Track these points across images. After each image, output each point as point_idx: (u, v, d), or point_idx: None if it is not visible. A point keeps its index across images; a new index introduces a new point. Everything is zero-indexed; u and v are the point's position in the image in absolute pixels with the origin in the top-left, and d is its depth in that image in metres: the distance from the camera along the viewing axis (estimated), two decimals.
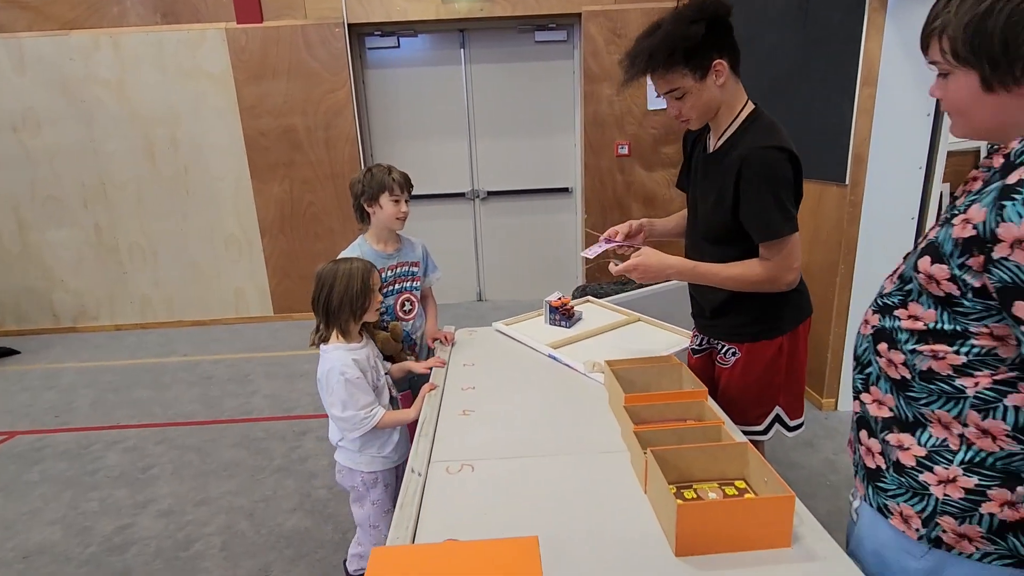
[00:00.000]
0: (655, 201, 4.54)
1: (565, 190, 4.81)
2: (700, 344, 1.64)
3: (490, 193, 4.84)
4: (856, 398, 0.96)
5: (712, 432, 1.15)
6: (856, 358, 0.96)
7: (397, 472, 1.65)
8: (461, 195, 4.84)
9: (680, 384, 1.41)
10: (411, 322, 1.94)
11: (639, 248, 1.48)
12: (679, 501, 0.92)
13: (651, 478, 1.03)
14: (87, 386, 3.60)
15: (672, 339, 1.85)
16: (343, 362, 1.50)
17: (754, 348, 1.46)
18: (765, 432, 1.53)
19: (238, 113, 4.40)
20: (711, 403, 1.31)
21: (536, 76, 4.60)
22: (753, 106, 1.38)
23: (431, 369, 1.74)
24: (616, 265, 1.43)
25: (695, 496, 1.04)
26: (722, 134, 1.40)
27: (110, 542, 2.11)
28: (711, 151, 1.45)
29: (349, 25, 4.29)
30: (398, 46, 4.54)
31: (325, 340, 1.55)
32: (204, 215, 4.59)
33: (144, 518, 2.24)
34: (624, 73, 1.34)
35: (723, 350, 1.53)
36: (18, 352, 4.33)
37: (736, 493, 1.04)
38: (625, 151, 4.46)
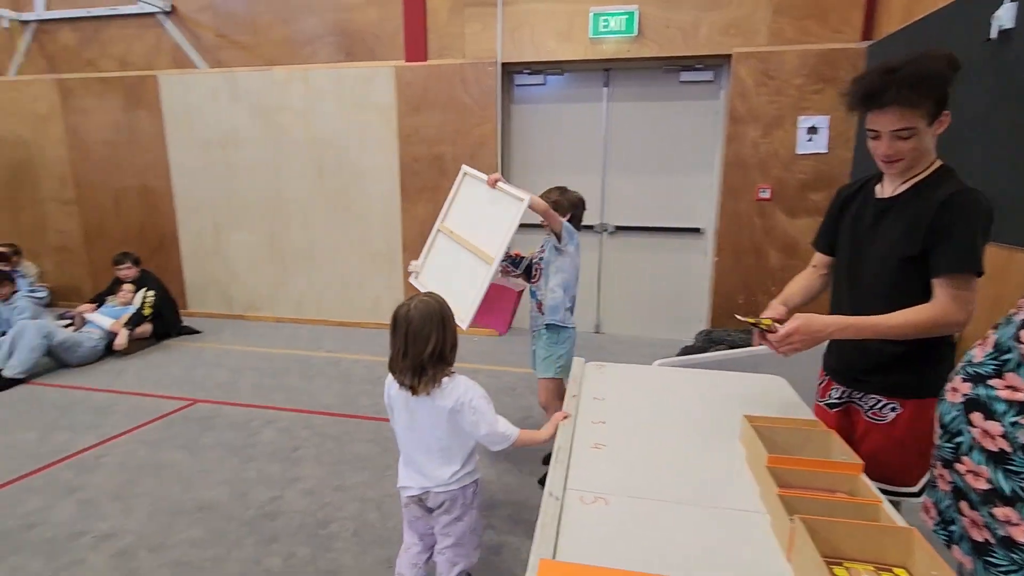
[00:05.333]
0: (797, 249, 4.27)
1: (696, 230, 4.70)
2: (839, 397, 1.57)
3: (618, 228, 4.88)
4: (946, 467, 0.96)
5: (869, 510, 1.09)
6: (943, 426, 0.97)
7: None
8: (589, 228, 4.92)
9: (828, 452, 1.34)
10: (538, 284, 2.52)
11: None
12: None
13: (799, 546, 1.00)
14: (251, 368, 4.17)
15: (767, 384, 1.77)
16: (471, 384, 1.63)
17: (922, 404, 1.37)
18: (920, 493, 1.44)
19: (397, 141, 4.90)
20: (866, 480, 1.23)
21: (677, 115, 4.60)
22: (941, 162, 1.40)
23: None
24: (764, 335, 1.45)
25: (847, 575, 0.99)
26: (907, 180, 1.40)
27: (263, 509, 2.42)
28: (888, 196, 1.44)
29: (502, 64, 4.62)
30: (544, 83, 4.79)
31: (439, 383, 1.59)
32: (357, 230, 5.14)
33: (291, 493, 2.54)
34: (857, 99, 1.33)
35: (878, 405, 1.47)
36: (199, 332, 5.11)
37: None
38: (767, 195, 4.27)
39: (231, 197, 5.36)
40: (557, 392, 2.53)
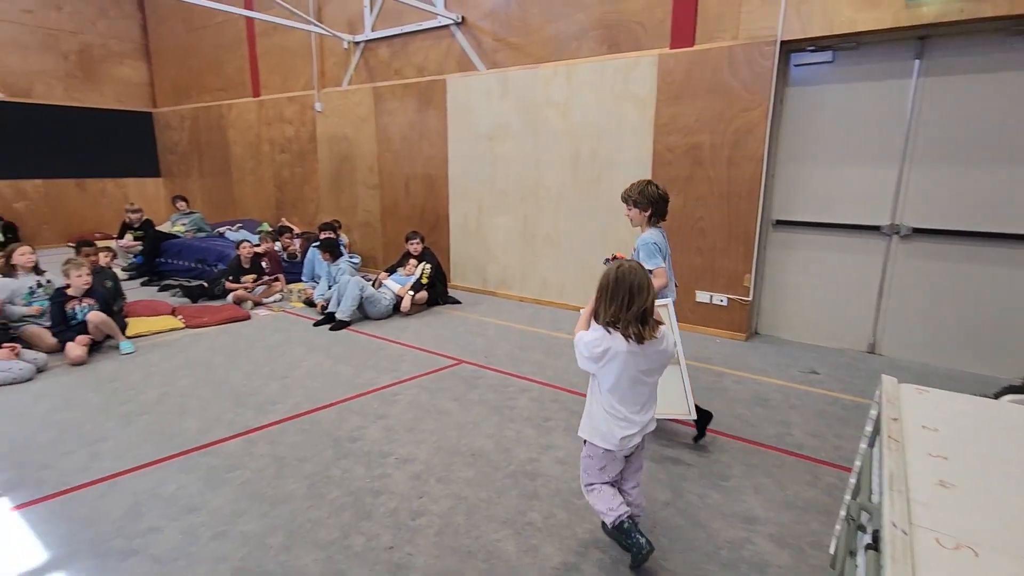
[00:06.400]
0: None
1: None
2: None
3: (916, 230, 4.04)
4: None
5: None
6: None
7: None
8: (874, 229, 4.18)
9: None
10: None
11: None
12: None
13: None
14: (503, 339, 4.61)
15: None
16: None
17: None
18: None
19: (652, 131, 4.84)
20: None
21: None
22: None
23: None
24: None
25: None
26: None
27: (524, 468, 2.65)
28: None
29: (781, 42, 4.18)
30: (831, 60, 4.19)
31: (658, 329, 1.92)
32: (604, 219, 5.25)
33: (547, 458, 2.74)
34: None
35: None
36: (460, 303, 5.85)
37: None
38: None
39: (494, 184, 5.97)
40: None
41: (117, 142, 10.10)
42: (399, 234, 6.81)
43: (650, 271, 2.69)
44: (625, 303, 1.84)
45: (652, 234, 2.81)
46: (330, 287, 5.35)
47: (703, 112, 4.57)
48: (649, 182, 2.85)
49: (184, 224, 7.71)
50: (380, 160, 6.99)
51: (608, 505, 1.99)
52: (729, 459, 2.77)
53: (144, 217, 7.61)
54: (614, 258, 3.23)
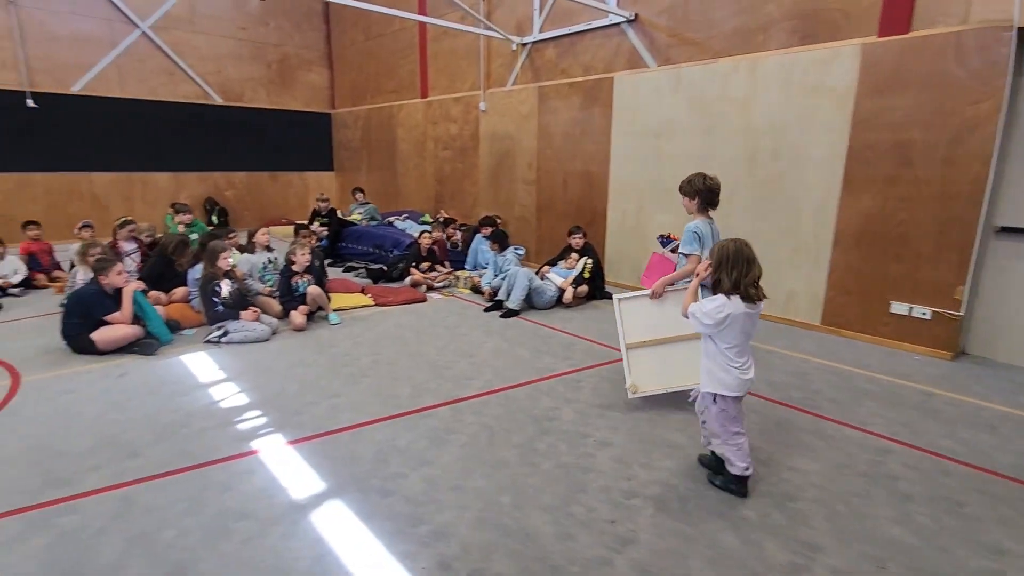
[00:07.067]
0: None
1: None
2: None
3: None
4: None
5: None
6: None
7: None
8: None
9: None
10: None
11: None
12: None
13: None
14: None
15: None
16: None
17: None
18: None
19: (848, 127, 4.50)
20: None
21: None
22: None
23: None
24: None
25: None
26: None
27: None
28: None
29: (1018, 28, 3.68)
30: None
31: None
32: (784, 221, 4.98)
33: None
34: None
35: None
36: (611, 296, 5.89)
37: None
38: None
39: (657, 182, 5.92)
40: None
41: (302, 140, 11.53)
42: (553, 229, 7.03)
43: (685, 256, 3.11)
44: (745, 270, 2.20)
45: (697, 224, 3.11)
46: (496, 276, 5.68)
47: (917, 106, 4.15)
48: (698, 174, 3.17)
49: (360, 213, 8.61)
50: (540, 157, 7.24)
51: (745, 462, 2.37)
52: (958, 484, 2.54)
53: (330, 206, 8.63)
54: (669, 237, 3.56)
